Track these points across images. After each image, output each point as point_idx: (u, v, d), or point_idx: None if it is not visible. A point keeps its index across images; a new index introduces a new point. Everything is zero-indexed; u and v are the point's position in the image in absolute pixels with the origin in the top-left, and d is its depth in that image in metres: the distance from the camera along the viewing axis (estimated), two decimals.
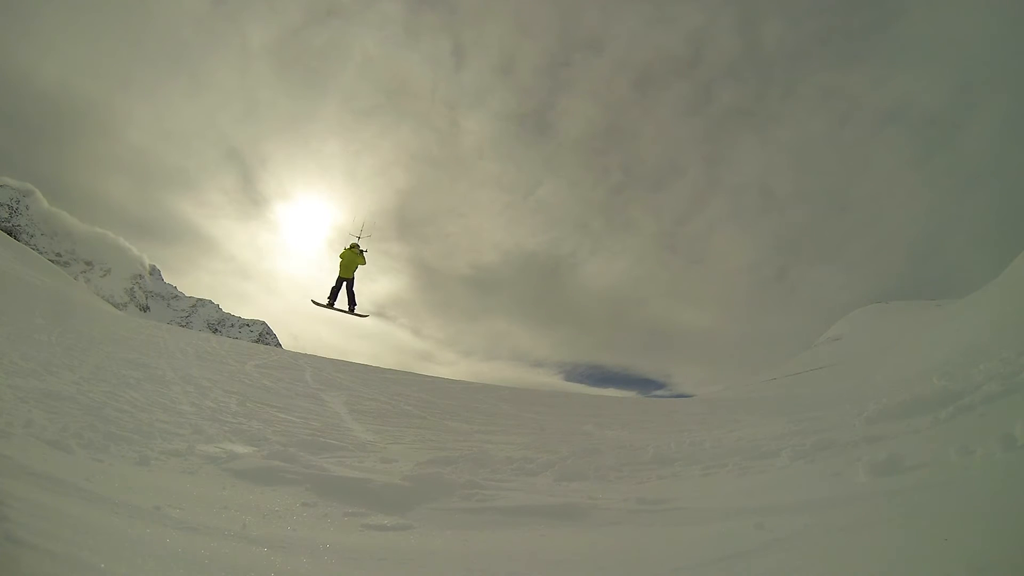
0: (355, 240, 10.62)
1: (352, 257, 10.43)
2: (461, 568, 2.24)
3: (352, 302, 10.36)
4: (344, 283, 10.44)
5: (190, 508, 2.74)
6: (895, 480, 2.80)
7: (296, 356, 16.68)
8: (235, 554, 2.09)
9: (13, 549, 1.48)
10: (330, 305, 10.21)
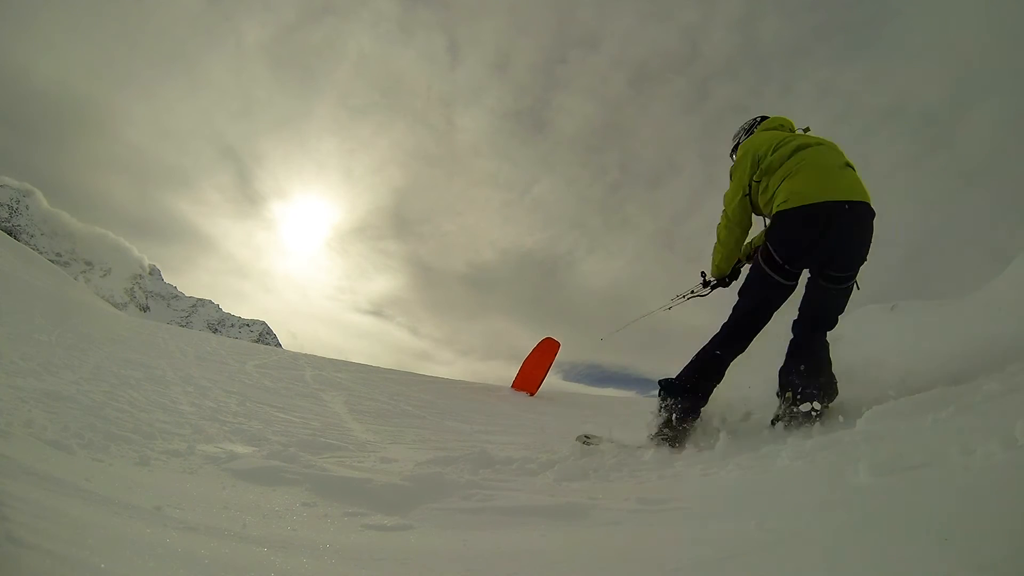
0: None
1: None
2: (461, 568, 2.24)
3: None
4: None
5: (190, 508, 2.73)
6: (895, 480, 2.80)
7: (296, 356, 16.68)
8: (235, 554, 2.09)
9: (13, 549, 1.47)
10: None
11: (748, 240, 3.74)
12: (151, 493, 2.91)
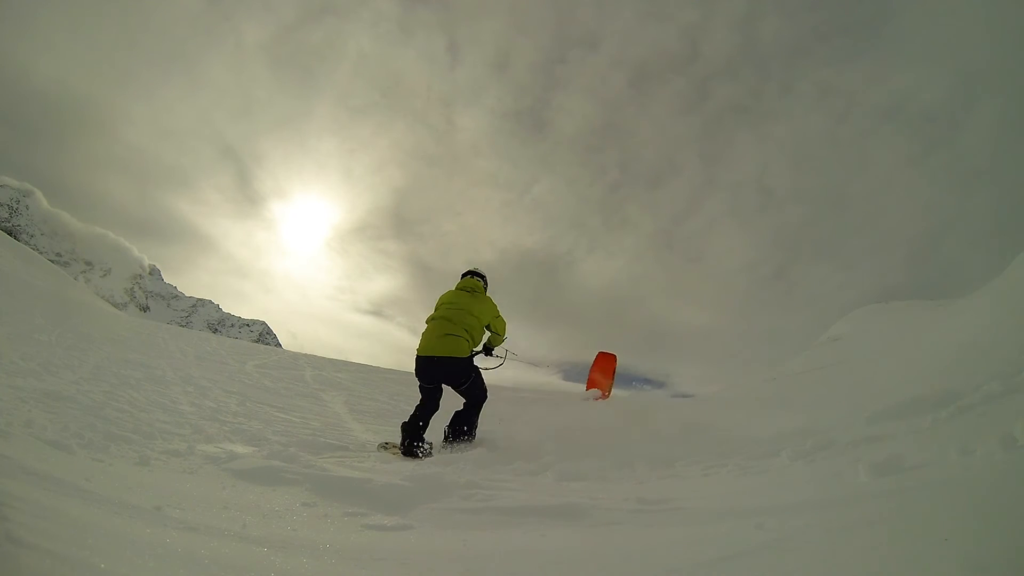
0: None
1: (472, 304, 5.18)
2: (461, 568, 2.24)
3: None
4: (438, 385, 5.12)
5: (190, 508, 2.74)
6: (895, 480, 2.80)
7: (296, 356, 16.69)
8: (235, 554, 2.09)
9: (13, 549, 1.47)
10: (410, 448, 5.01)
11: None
12: (151, 493, 2.91)
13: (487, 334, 5.42)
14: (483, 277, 5.46)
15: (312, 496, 3.39)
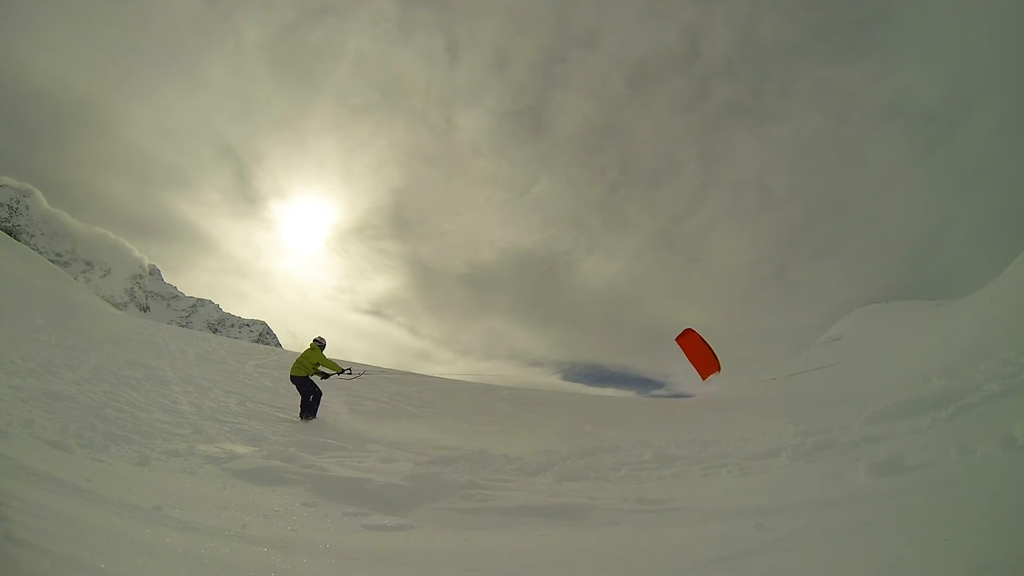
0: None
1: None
2: (461, 568, 2.24)
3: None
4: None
5: (190, 508, 2.74)
6: (895, 480, 2.81)
7: (296, 356, 16.69)
8: (235, 554, 2.09)
9: (13, 549, 1.48)
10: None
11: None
12: (151, 493, 2.91)
13: (323, 367, 8.80)
14: (320, 341, 8.95)
15: (312, 496, 3.39)
